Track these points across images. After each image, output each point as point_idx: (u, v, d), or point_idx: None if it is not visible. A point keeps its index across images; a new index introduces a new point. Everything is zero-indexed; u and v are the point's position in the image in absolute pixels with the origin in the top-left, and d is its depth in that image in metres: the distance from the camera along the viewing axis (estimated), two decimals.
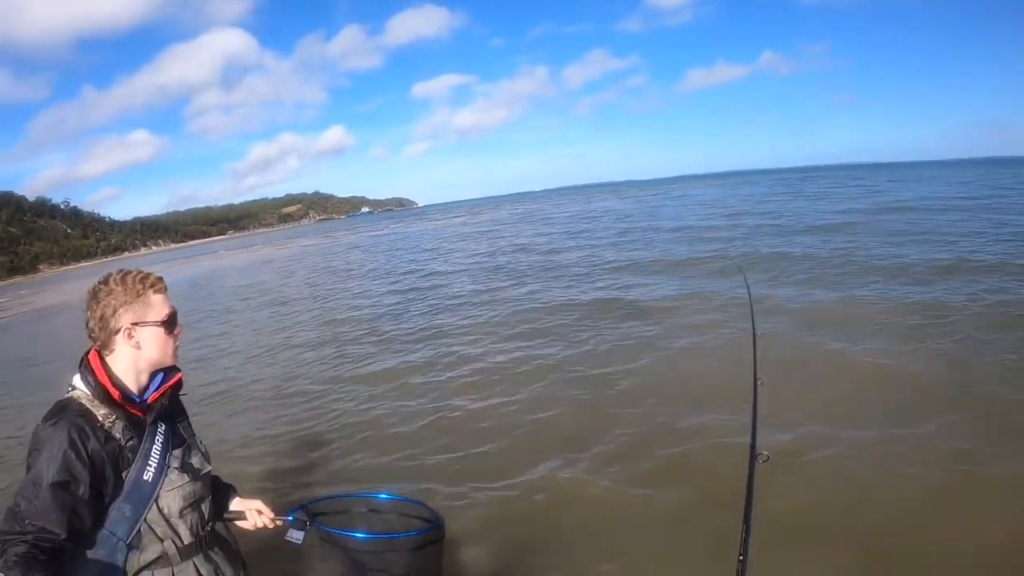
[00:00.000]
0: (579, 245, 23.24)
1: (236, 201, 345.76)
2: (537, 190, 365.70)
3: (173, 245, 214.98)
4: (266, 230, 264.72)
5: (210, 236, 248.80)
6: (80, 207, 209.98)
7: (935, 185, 38.87)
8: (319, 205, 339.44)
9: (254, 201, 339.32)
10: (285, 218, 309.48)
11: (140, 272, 1.90)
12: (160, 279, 1.92)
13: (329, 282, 24.27)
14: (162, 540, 1.85)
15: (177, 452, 1.93)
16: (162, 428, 1.91)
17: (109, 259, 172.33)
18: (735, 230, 21.65)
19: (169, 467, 1.87)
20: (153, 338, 1.88)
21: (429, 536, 2.13)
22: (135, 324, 1.84)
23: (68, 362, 1.97)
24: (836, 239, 16.77)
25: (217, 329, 15.97)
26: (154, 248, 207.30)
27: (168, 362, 1.96)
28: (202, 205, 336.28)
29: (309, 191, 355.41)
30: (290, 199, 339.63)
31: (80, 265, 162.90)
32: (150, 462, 1.82)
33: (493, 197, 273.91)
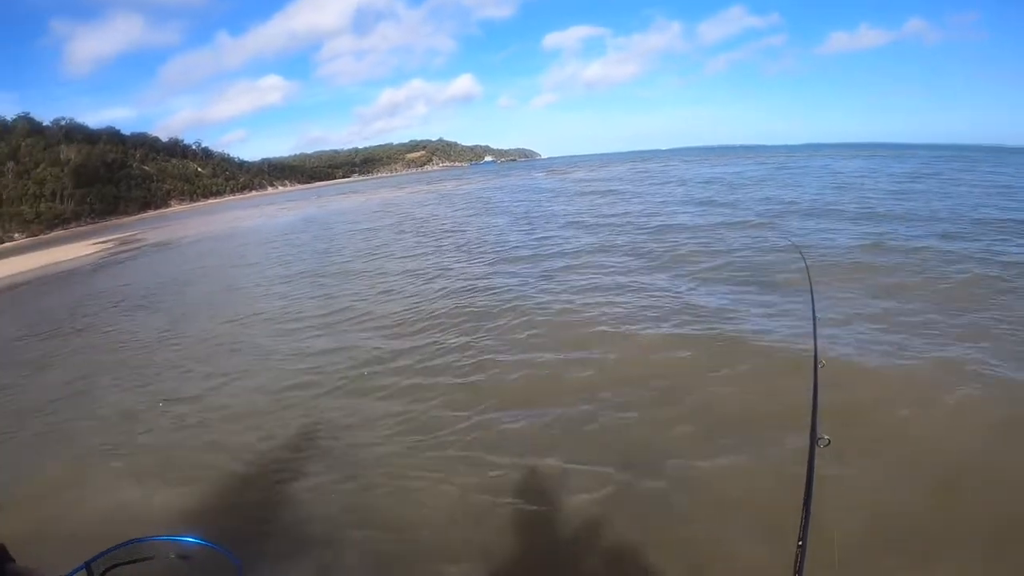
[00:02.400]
0: None
1: (361, 145, 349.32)
2: (663, 149, 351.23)
3: (299, 185, 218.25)
4: (388, 174, 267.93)
5: (335, 178, 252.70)
6: (211, 148, 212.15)
7: None
8: (443, 152, 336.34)
9: (379, 146, 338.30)
10: (409, 163, 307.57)
11: None
12: None
13: None
14: None
15: None
16: None
17: (237, 196, 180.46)
18: None
19: None
20: None
21: None
22: None
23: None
24: None
25: None
26: (280, 188, 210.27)
27: None
28: (328, 148, 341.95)
29: (433, 138, 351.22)
30: (414, 145, 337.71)
31: (209, 202, 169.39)
32: None
33: (618, 153, 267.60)
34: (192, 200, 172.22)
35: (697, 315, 9.53)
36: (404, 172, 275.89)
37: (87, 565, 1.72)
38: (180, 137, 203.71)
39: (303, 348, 11.00)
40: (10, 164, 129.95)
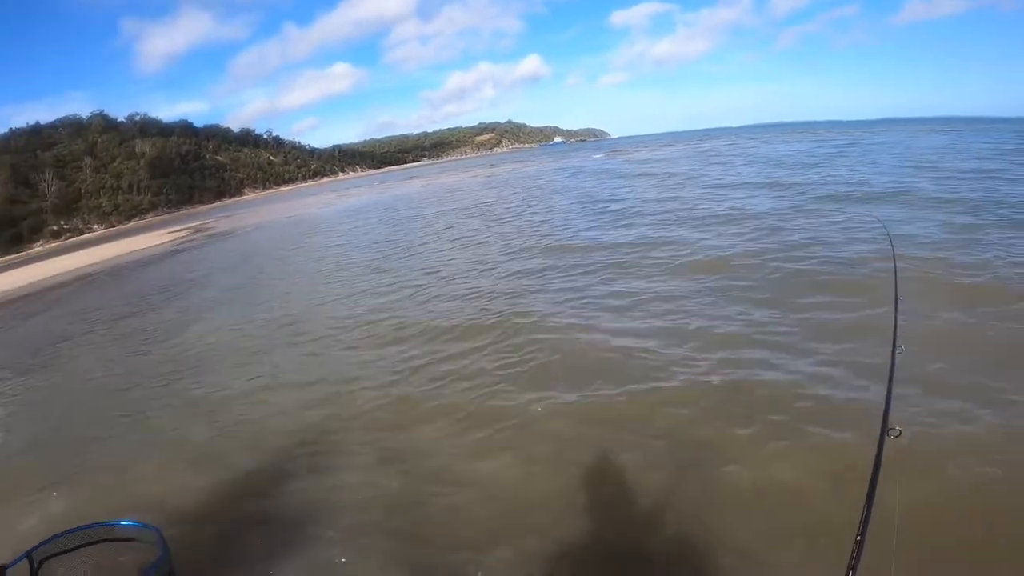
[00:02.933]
0: None
1: (430, 129, 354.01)
2: (734, 126, 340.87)
3: (370, 170, 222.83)
4: (459, 157, 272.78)
5: (405, 163, 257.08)
6: (282, 136, 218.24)
7: None
8: (512, 134, 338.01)
9: (448, 129, 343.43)
10: (479, 146, 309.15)
11: None
12: None
13: None
14: None
15: None
16: None
17: (309, 183, 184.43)
18: None
19: None
20: None
21: None
22: None
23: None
24: None
25: None
26: (351, 173, 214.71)
27: None
28: (397, 133, 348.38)
29: (502, 120, 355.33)
30: (483, 127, 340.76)
31: (281, 189, 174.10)
32: None
33: (688, 131, 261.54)
34: (265, 188, 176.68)
35: (758, 337, 7.85)
36: (474, 155, 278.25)
37: (28, 554, 1.71)
38: (252, 127, 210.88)
39: (352, 348, 10.47)
40: (87, 159, 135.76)
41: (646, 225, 17.01)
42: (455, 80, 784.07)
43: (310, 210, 53.35)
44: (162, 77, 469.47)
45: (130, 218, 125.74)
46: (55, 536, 1.73)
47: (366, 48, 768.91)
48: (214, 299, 17.06)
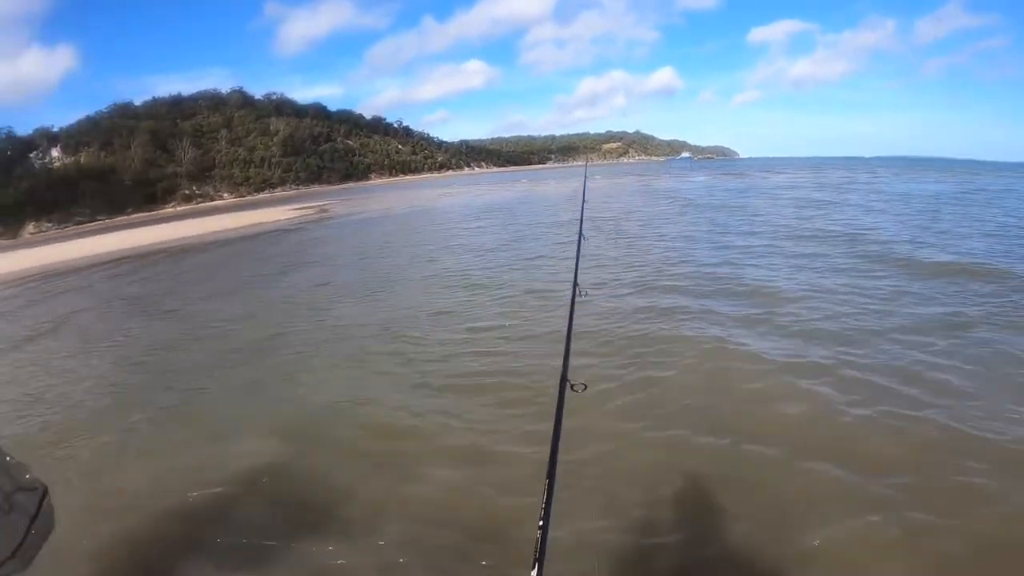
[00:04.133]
0: None
1: (558, 133, 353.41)
2: (866, 156, 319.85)
3: (495, 168, 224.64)
4: (583, 163, 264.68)
5: (530, 164, 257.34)
6: (411, 127, 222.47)
7: None
8: (639, 145, 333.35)
9: (576, 135, 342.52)
10: (605, 154, 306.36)
11: None
12: None
13: None
14: None
15: None
16: None
17: (434, 175, 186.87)
18: None
19: None
20: None
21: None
22: None
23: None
24: None
25: None
26: (476, 170, 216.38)
27: None
28: (525, 134, 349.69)
29: (631, 130, 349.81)
30: (610, 136, 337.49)
31: (407, 178, 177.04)
32: None
33: (817, 158, 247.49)
34: (391, 175, 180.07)
35: None
36: (600, 162, 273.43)
37: None
38: (383, 115, 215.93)
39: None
40: (224, 132, 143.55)
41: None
42: (587, 85, 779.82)
43: (435, 203, 51.54)
44: (300, 60, 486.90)
45: (259, 190, 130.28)
46: None
47: (501, 47, 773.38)
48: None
